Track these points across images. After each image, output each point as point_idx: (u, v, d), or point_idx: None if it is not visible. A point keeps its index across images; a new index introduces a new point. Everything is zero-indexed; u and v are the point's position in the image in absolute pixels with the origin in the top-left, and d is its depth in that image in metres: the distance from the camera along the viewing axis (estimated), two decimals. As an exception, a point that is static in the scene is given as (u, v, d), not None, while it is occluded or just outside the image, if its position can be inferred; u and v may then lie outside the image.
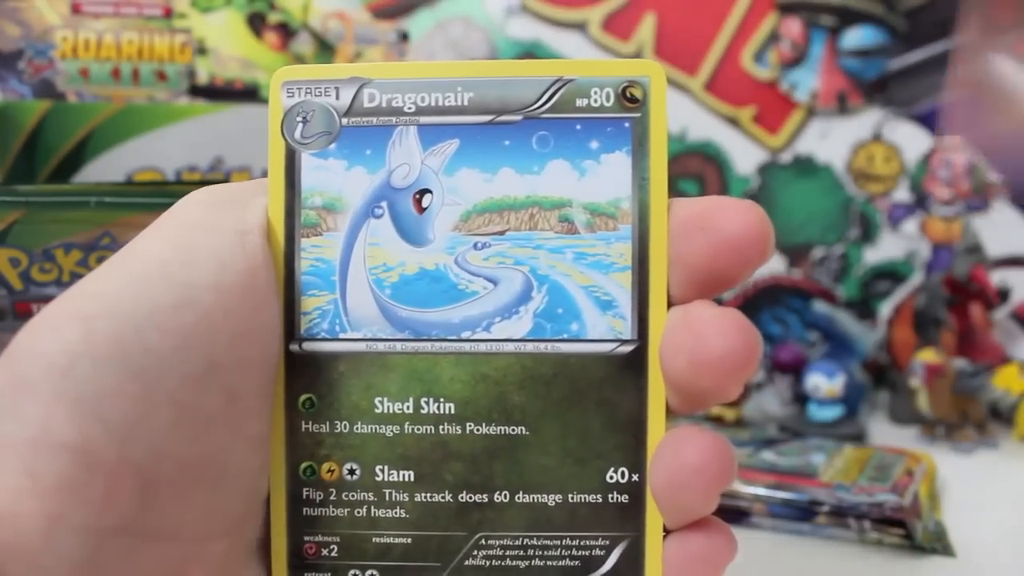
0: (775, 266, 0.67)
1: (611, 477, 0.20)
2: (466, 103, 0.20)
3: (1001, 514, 0.42)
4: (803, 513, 0.39)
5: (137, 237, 0.19)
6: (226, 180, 0.46)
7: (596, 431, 0.20)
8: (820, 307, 0.64)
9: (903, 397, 0.58)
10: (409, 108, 0.20)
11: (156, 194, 0.33)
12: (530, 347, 0.20)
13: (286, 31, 0.57)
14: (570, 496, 0.20)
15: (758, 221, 0.19)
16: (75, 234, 0.32)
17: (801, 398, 0.59)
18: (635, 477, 0.20)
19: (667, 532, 0.20)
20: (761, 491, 0.40)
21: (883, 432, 0.56)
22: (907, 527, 0.37)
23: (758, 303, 0.67)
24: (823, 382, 0.56)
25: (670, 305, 0.20)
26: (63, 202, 0.32)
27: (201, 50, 0.54)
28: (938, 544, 0.38)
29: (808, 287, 0.67)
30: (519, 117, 0.20)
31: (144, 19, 0.52)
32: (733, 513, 0.40)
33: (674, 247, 0.20)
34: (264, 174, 0.21)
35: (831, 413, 0.56)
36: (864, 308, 0.67)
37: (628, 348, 0.20)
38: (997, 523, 0.41)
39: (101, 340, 0.17)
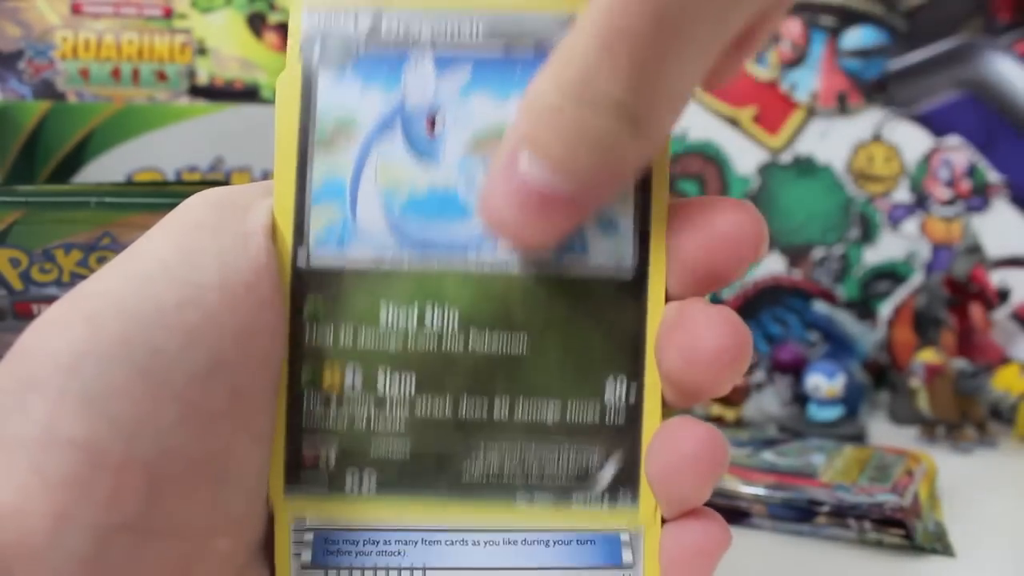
0: (775, 266, 0.67)
1: (609, 390, 0.20)
2: (481, 34, 0.20)
3: (1001, 514, 0.42)
4: (803, 513, 0.39)
5: (141, 238, 0.20)
6: (226, 180, 0.46)
7: (597, 347, 0.20)
8: (820, 307, 0.64)
9: (903, 397, 0.58)
10: (426, 36, 0.20)
11: (156, 194, 0.33)
12: (534, 268, 0.20)
13: (286, 31, 0.57)
14: (569, 408, 0.20)
15: (751, 219, 0.20)
16: (75, 234, 0.32)
17: (801, 398, 0.59)
18: (633, 391, 0.20)
19: (663, 522, 0.20)
20: (761, 491, 0.40)
21: (883, 432, 0.56)
22: (907, 527, 0.37)
23: (758, 303, 0.67)
24: (823, 382, 0.56)
25: (666, 300, 0.20)
26: (63, 202, 0.32)
27: (201, 50, 0.54)
28: (938, 544, 0.38)
29: (808, 287, 0.67)
30: (532, 48, 0.20)
31: (144, 19, 0.52)
32: (733, 513, 0.40)
33: (669, 244, 0.20)
34: (264, 174, 0.21)
35: (831, 413, 0.56)
36: (864, 308, 0.67)
37: (628, 275, 0.20)
38: (997, 523, 0.41)
39: (107, 338, 0.17)
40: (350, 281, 0.20)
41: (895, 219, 0.67)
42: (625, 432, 0.20)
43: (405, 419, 0.20)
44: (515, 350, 0.20)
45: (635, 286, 0.20)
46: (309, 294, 0.20)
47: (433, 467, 0.20)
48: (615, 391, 0.20)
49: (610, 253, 0.20)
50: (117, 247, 0.32)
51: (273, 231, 0.20)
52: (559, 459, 0.20)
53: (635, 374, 0.20)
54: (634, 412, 0.20)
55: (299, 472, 0.20)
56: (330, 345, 0.20)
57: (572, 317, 0.20)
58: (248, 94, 0.54)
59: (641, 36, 0.16)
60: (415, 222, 0.20)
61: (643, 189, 0.20)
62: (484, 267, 0.20)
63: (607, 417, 0.20)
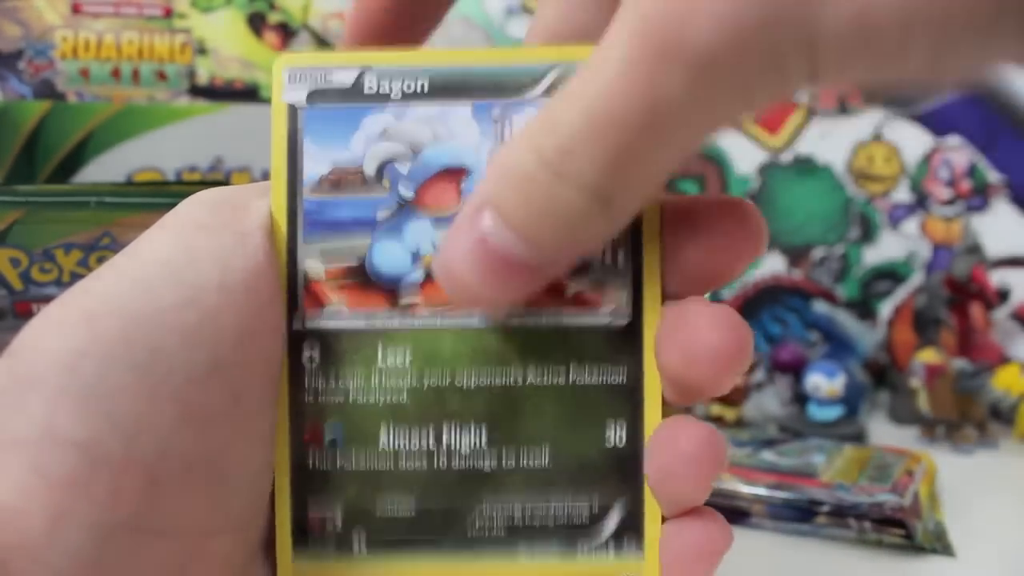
0: (775, 266, 0.67)
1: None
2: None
3: (1001, 514, 0.42)
4: (803, 513, 0.39)
5: (140, 237, 0.20)
6: (226, 180, 0.46)
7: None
8: (820, 307, 0.64)
9: (903, 397, 0.58)
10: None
11: (156, 194, 0.33)
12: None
13: (286, 31, 0.57)
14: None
15: (750, 218, 0.19)
16: (75, 234, 0.32)
17: (801, 398, 0.59)
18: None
19: (663, 521, 0.20)
20: (761, 491, 0.40)
21: (883, 432, 0.56)
22: (907, 527, 0.37)
23: (758, 303, 0.67)
24: (823, 382, 0.56)
25: (664, 300, 0.20)
26: (63, 202, 0.32)
27: (201, 50, 0.54)
28: (938, 544, 0.38)
29: (808, 287, 0.67)
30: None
31: (144, 19, 0.52)
32: (733, 513, 0.40)
33: (667, 243, 0.20)
34: (264, 174, 0.21)
35: (831, 413, 0.56)
36: (864, 308, 0.67)
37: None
38: (997, 523, 0.41)
39: (106, 337, 0.17)
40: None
41: (895, 219, 0.67)
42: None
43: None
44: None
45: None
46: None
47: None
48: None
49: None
50: (117, 247, 0.32)
51: (271, 231, 0.20)
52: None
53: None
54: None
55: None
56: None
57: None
58: (248, 94, 0.54)
59: (632, 128, 0.16)
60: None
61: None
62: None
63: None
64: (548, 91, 0.20)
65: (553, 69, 0.20)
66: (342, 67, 0.20)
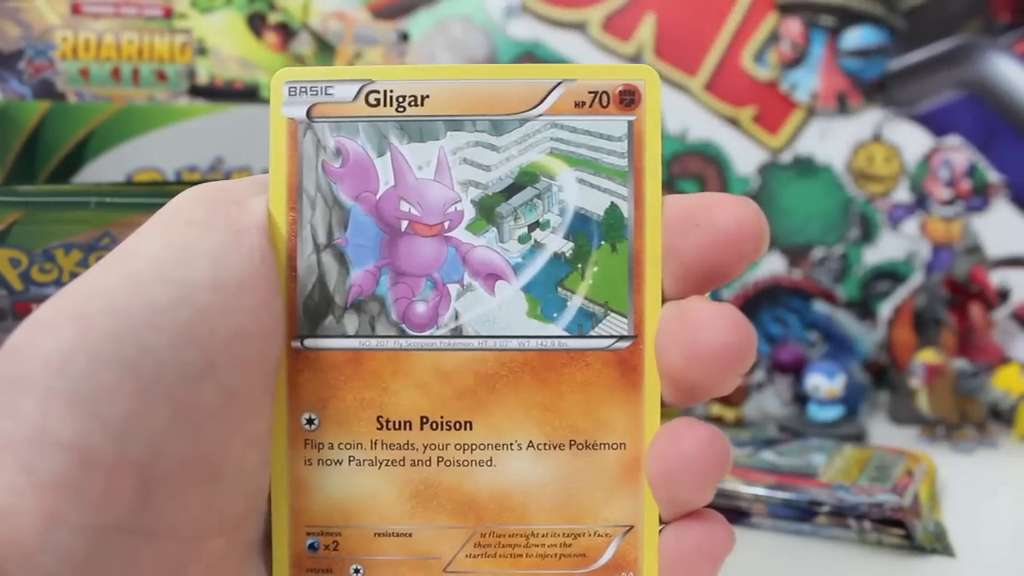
0: (775, 266, 0.67)
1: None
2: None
3: (1001, 514, 0.42)
4: (803, 513, 0.39)
5: (132, 235, 0.19)
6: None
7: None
8: (820, 307, 0.64)
9: (903, 397, 0.58)
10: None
11: (156, 194, 0.33)
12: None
13: (286, 31, 0.57)
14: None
15: (752, 215, 0.19)
16: (75, 234, 0.32)
17: (801, 398, 0.59)
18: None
19: (664, 524, 0.20)
20: (761, 491, 0.40)
21: (883, 432, 0.56)
22: (907, 527, 0.37)
23: (758, 303, 0.67)
24: (823, 382, 0.56)
25: (665, 300, 0.20)
26: (63, 202, 0.32)
27: (201, 50, 0.54)
28: (938, 544, 0.38)
29: (808, 287, 0.67)
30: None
31: (144, 19, 0.52)
32: (733, 513, 0.40)
33: (669, 242, 0.20)
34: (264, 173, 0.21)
35: (831, 413, 0.56)
36: (864, 308, 0.67)
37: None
38: (997, 523, 0.41)
39: (97, 338, 0.17)
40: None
41: (895, 219, 0.67)
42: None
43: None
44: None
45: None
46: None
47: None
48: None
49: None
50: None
51: (268, 230, 0.20)
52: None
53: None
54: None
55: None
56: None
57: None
58: (248, 94, 0.54)
59: None
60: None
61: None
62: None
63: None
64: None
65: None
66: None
